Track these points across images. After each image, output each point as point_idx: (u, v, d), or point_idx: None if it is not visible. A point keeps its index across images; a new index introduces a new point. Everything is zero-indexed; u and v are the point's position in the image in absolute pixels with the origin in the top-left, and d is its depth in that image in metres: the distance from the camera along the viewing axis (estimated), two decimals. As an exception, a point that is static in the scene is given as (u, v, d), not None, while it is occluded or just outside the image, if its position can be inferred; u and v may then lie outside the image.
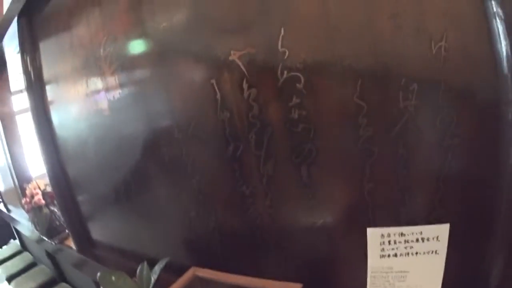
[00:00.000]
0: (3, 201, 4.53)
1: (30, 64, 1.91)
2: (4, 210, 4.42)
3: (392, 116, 0.72)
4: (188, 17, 0.96)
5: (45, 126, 1.90)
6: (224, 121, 0.91)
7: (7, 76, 3.06)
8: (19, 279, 3.41)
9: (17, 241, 5.04)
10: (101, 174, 1.59)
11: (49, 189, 2.26)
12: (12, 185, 3.57)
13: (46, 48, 1.82)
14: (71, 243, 2.13)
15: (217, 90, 0.91)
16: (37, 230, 2.45)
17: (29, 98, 1.95)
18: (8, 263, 3.93)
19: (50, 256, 2.97)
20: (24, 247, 4.46)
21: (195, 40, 0.95)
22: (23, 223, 3.46)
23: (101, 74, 1.29)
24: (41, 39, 1.85)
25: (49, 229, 2.31)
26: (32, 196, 2.28)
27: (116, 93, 1.24)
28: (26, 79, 1.95)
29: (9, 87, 3.12)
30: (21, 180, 3.06)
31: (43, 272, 3.31)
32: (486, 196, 0.69)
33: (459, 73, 0.66)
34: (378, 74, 0.72)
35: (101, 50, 1.26)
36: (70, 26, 1.50)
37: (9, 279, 3.54)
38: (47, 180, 2.13)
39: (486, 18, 0.63)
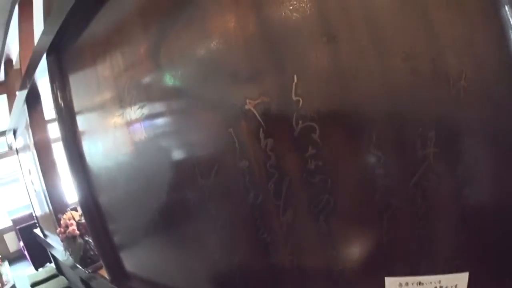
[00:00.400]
0: (39, 226, 4.69)
1: (60, 97, 2.00)
2: (41, 234, 4.55)
3: (410, 165, 0.71)
4: (203, 65, 1.00)
5: (76, 157, 1.98)
6: (243, 170, 0.94)
7: (41, 107, 3.21)
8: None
9: (53, 265, 5.18)
10: (131, 208, 1.64)
11: (83, 220, 2.33)
12: (45, 208, 3.67)
13: (76, 82, 1.90)
14: (105, 272, 2.19)
15: (235, 139, 0.93)
16: (71, 258, 2.52)
17: (60, 129, 2.03)
18: (43, 286, 4.00)
19: (85, 282, 3.03)
20: (59, 271, 4.55)
21: (212, 88, 0.98)
22: (59, 248, 3.55)
23: (127, 116, 1.35)
24: (71, 73, 1.94)
25: (83, 258, 2.38)
26: (67, 226, 2.35)
27: (142, 136, 1.29)
28: (57, 111, 2.04)
29: (43, 117, 3.25)
30: (56, 209, 3.14)
31: None
32: (506, 244, 0.67)
33: (480, 115, 0.65)
34: (395, 121, 0.72)
35: (125, 93, 1.32)
36: (95, 66, 1.58)
37: None
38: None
39: (508, 55, 0.61)
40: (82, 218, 2.35)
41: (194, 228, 1.24)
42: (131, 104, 1.30)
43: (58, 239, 3.58)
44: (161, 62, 1.14)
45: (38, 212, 4.55)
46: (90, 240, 2.32)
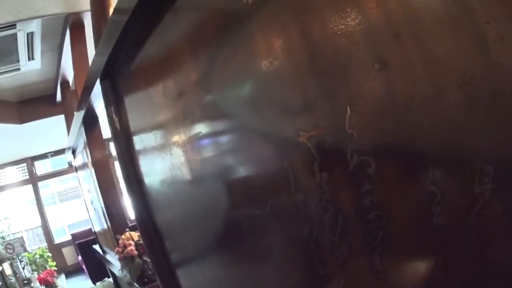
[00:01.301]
0: (98, 243, 4.89)
1: (116, 119, 2.11)
2: (100, 251, 4.74)
3: (466, 203, 0.68)
4: (254, 95, 1.02)
5: (133, 177, 2.07)
6: (298, 203, 0.96)
7: (99, 128, 3.38)
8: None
9: (111, 280, 5.37)
10: (187, 230, 1.70)
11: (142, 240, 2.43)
12: (104, 226, 3.82)
13: (131, 105, 2.01)
14: (161, 292, 2.26)
15: (290, 172, 0.95)
16: (128, 276, 2.62)
17: (117, 150, 2.16)
18: None
19: (143, 300, 3.11)
20: (117, 287, 4.69)
21: (264, 119, 1.00)
22: (117, 265, 3.68)
23: (181, 140, 1.41)
24: (125, 96, 2.05)
25: (141, 278, 2.47)
26: (125, 246, 2.45)
27: (196, 160, 1.34)
28: (113, 132, 2.16)
29: (101, 137, 3.42)
30: (115, 228, 3.26)
31: None
32: None
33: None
34: (451, 156, 0.70)
35: (178, 119, 1.38)
36: (149, 90, 1.67)
37: None
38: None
39: None
40: (141, 238, 2.45)
41: (249, 255, 1.28)
42: (185, 129, 1.36)
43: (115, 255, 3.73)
44: (213, 91, 1.18)
45: (97, 229, 4.73)
46: (149, 260, 2.41)
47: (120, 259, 2.59)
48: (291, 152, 0.94)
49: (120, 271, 2.81)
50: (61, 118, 7.15)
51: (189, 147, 1.36)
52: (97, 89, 2.35)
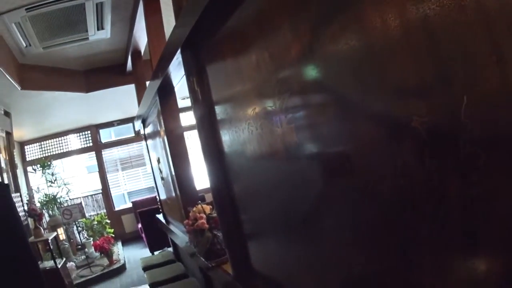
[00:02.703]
0: (163, 212, 5.07)
1: (197, 88, 2.19)
2: (163, 220, 4.92)
3: None
4: (364, 72, 1.02)
5: (213, 146, 2.15)
6: (402, 188, 0.96)
7: (174, 97, 3.47)
8: (163, 288, 3.62)
9: (170, 249, 5.56)
10: (266, 204, 1.75)
11: (214, 214, 2.49)
12: (173, 197, 3.92)
13: (214, 74, 2.06)
14: (228, 268, 2.33)
15: (397, 156, 0.96)
16: (195, 250, 2.70)
17: (197, 119, 2.23)
18: (156, 270, 4.26)
19: (204, 273, 3.20)
20: (177, 258, 4.85)
21: (374, 99, 1.00)
22: (180, 235, 3.80)
23: (275, 118, 1.44)
24: (208, 65, 2.10)
25: (208, 252, 2.53)
26: (196, 219, 2.52)
27: (291, 142, 1.36)
28: (194, 101, 2.24)
29: (176, 107, 3.52)
30: (185, 199, 3.36)
31: (192, 285, 3.52)
32: None
33: None
34: None
35: (272, 89, 1.40)
36: (237, 59, 1.70)
37: (153, 286, 3.82)
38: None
39: None
40: (213, 212, 2.51)
41: (334, 237, 1.30)
42: (280, 103, 1.38)
43: (181, 226, 3.85)
44: (316, 66, 1.19)
45: (163, 199, 4.87)
46: (219, 235, 2.48)
47: (189, 232, 2.65)
48: (401, 136, 0.95)
49: (187, 244, 2.88)
50: (128, 87, 7.40)
51: (283, 121, 1.38)
52: (177, 59, 2.43)
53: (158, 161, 4.34)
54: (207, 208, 2.59)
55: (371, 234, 1.12)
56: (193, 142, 9.52)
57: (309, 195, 1.36)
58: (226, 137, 2.01)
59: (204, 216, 2.52)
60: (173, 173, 3.49)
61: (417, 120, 0.89)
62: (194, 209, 2.62)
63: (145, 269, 4.47)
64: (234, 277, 2.20)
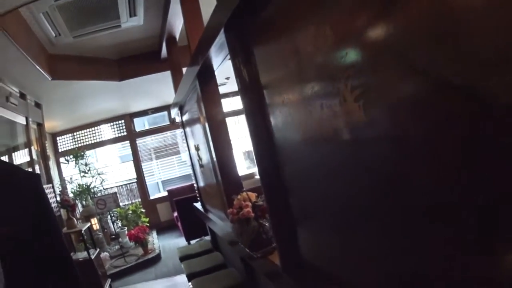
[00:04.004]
0: (201, 201, 5.04)
1: (244, 70, 2.10)
2: (201, 209, 4.89)
3: None
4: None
5: (263, 130, 2.06)
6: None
7: (215, 82, 3.40)
8: (201, 279, 3.54)
9: (208, 238, 5.54)
10: (319, 190, 1.65)
11: (261, 202, 2.40)
12: (213, 184, 3.86)
13: (263, 56, 1.97)
14: (275, 258, 2.25)
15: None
16: (239, 240, 2.62)
17: (245, 102, 2.15)
18: (194, 260, 4.20)
19: (246, 263, 3.13)
20: (215, 247, 4.81)
21: (453, 69, 0.87)
22: (219, 224, 3.75)
23: (338, 103, 1.32)
24: (255, 47, 2.01)
25: (254, 242, 2.44)
26: (241, 208, 2.44)
27: (360, 121, 1.24)
28: (241, 85, 2.15)
29: (217, 92, 3.45)
30: (227, 187, 3.29)
31: (232, 276, 3.43)
32: None
33: None
34: None
35: (339, 75, 1.28)
36: (292, 40, 1.59)
37: (190, 277, 3.75)
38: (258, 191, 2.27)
39: None
40: (259, 199, 2.42)
41: (392, 228, 1.21)
42: (345, 87, 1.26)
43: (220, 214, 3.80)
44: (391, 31, 1.04)
45: (202, 187, 4.84)
46: (266, 224, 2.39)
47: (233, 221, 2.55)
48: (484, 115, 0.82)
49: (227, 232, 2.81)
50: (162, 75, 7.41)
51: (349, 99, 1.26)
52: (219, 41, 2.36)
53: (197, 148, 4.29)
54: (253, 196, 2.50)
55: (438, 231, 1.01)
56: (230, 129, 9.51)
57: (380, 182, 1.23)
58: (276, 120, 1.92)
59: (250, 204, 2.43)
60: (215, 159, 3.41)
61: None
62: (239, 196, 2.52)
63: (182, 259, 4.46)
64: (281, 268, 2.11)
